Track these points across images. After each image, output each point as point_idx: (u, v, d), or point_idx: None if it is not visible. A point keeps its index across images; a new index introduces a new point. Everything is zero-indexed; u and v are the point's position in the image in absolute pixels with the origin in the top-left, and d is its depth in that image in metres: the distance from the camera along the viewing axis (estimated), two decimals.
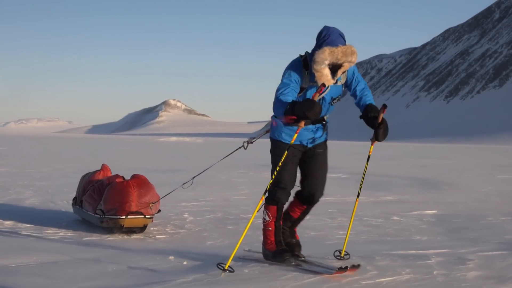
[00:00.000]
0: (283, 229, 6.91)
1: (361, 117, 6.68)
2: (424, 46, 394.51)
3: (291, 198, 6.91)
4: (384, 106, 6.61)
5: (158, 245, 8.14)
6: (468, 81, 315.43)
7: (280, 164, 6.52)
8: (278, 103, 6.29)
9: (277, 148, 6.75)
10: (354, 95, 6.72)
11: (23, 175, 18.90)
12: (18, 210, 11.07)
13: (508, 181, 21.34)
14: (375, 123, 6.58)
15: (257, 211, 6.43)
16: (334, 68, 6.34)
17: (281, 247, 6.74)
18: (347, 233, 7.06)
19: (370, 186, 16.88)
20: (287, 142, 6.61)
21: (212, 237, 8.89)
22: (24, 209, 11.33)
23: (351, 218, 7.18)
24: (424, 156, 45.50)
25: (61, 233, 8.86)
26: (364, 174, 7.23)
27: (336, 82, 6.47)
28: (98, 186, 9.48)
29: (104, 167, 10.44)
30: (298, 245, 6.94)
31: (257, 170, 23.66)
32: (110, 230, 9.05)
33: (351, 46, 6.27)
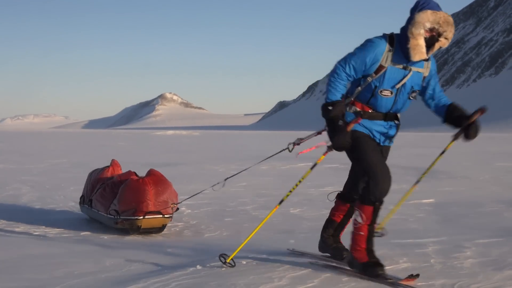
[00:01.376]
0: (326, 238, 6.37)
1: (444, 121, 5.96)
2: None
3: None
4: (483, 109, 5.84)
5: (156, 238, 8.16)
6: (464, 69, 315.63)
7: (366, 157, 5.72)
8: (332, 82, 5.68)
9: (359, 139, 5.75)
10: (430, 97, 5.95)
11: (20, 171, 18.89)
12: (16, 206, 11.09)
13: (505, 169, 21.38)
14: (462, 122, 5.77)
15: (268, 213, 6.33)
16: (429, 42, 5.49)
17: (373, 258, 5.72)
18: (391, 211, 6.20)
19: None
20: (365, 132, 5.77)
21: (210, 230, 8.92)
22: (22, 204, 11.34)
23: (401, 200, 6.39)
24: (421, 145, 45.55)
25: (59, 228, 8.88)
26: (431, 166, 6.71)
27: (428, 60, 5.73)
28: (110, 184, 8.97)
29: (113, 163, 9.94)
30: (345, 249, 6.18)
31: (254, 163, 23.63)
32: (126, 232, 8.56)
33: (451, 17, 5.52)
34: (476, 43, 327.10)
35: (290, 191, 6.31)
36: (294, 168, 21.18)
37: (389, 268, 6.05)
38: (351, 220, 6.01)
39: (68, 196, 12.48)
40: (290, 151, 6.70)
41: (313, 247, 7.10)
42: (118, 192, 8.60)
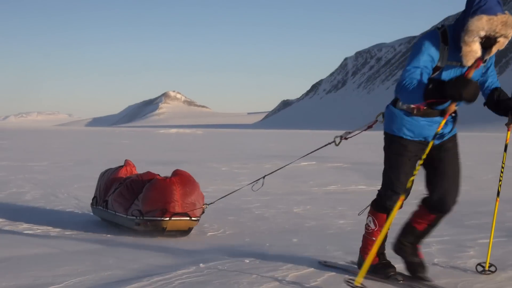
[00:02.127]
0: (403, 245, 5.77)
1: (485, 103, 5.56)
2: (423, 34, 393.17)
3: (407, 206, 5.65)
4: None
5: (159, 236, 8.15)
6: None
7: (397, 165, 5.48)
8: (409, 85, 5.04)
9: (394, 145, 5.46)
10: (487, 85, 5.55)
11: (23, 169, 18.91)
12: (19, 204, 11.10)
13: (509, 169, 21.33)
14: (510, 104, 5.40)
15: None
16: (486, 44, 5.02)
17: (384, 260, 5.63)
18: (490, 240, 5.98)
19: (372, 176, 16.91)
20: (409, 138, 5.36)
21: (213, 228, 8.92)
22: (25, 202, 11.35)
23: (493, 222, 5.99)
24: None
25: (61, 226, 8.88)
26: (503, 167, 6.21)
27: (484, 62, 5.27)
28: (130, 184, 8.62)
29: (127, 163, 9.58)
30: (421, 265, 5.64)
31: (257, 161, 23.65)
32: (148, 233, 8.19)
33: (511, 16, 4.90)
34: None
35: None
36: (298, 167, 21.17)
37: None
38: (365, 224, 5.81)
39: (71, 194, 12.49)
40: (336, 145, 6.41)
41: (317, 246, 7.10)
42: (143, 191, 8.27)
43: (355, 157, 26.63)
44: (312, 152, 7.27)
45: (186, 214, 8.05)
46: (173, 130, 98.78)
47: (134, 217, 8.16)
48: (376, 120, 5.79)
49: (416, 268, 5.62)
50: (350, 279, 4.95)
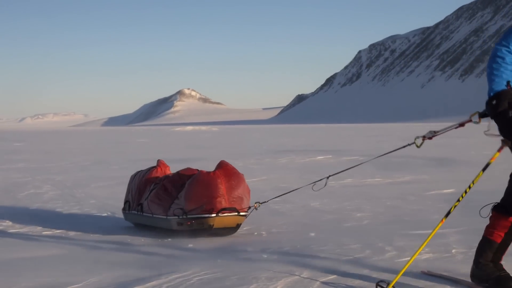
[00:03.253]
0: (484, 265, 5.11)
1: None
2: (437, 25, 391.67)
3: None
4: None
5: (171, 234, 8.10)
6: (483, 58, 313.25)
7: None
8: (497, 68, 4.74)
9: None
10: None
11: (40, 170, 19.01)
12: (37, 205, 11.16)
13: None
14: None
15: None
16: None
17: (503, 272, 5.00)
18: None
19: (387, 167, 16.86)
20: None
21: None
22: (43, 203, 11.40)
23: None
24: (440, 136, 45.18)
25: (79, 226, 8.88)
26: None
27: None
28: (168, 183, 8.19)
29: (160, 163, 9.02)
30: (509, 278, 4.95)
31: (273, 157, 23.64)
32: (191, 233, 7.73)
33: None
34: (494, 31, 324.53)
35: (459, 200, 5.58)
36: (314, 161, 21.17)
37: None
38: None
39: (89, 194, 12.55)
40: (418, 147, 5.93)
41: (335, 240, 7.09)
42: (185, 188, 7.81)
43: (371, 149, 26.54)
44: (390, 152, 6.97)
45: (234, 209, 7.62)
46: (189, 128, 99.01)
47: (176, 217, 7.70)
48: (470, 120, 5.34)
49: (507, 283, 4.92)
50: (381, 282, 4.79)
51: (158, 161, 9.06)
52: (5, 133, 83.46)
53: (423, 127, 70.88)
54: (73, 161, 23.42)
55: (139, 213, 8.45)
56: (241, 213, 7.69)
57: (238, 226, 7.79)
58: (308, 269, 5.70)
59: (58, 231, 8.52)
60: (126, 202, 8.92)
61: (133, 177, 9.02)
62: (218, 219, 7.53)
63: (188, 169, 8.38)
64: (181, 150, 31.79)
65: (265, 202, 7.90)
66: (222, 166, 7.85)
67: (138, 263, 6.33)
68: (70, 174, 17.37)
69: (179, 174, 8.20)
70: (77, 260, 6.60)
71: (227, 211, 7.57)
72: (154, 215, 8.11)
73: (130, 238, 7.92)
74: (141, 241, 7.74)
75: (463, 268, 5.63)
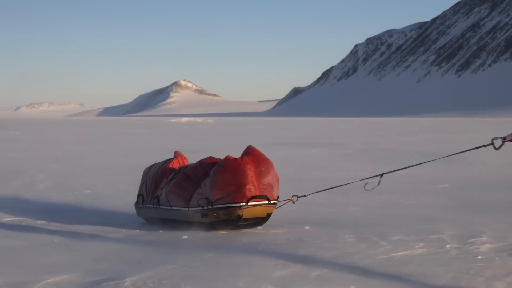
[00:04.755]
0: None
1: None
2: (434, 20, 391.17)
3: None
4: None
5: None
6: (480, 54, 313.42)
7: None
8: None
9: None
10: None
11: (36, 159, 19.01)
12: (32, 194, 11.14)
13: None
14: None
15: None
16: None
17: None
18: None
19: (383, 161, 16.90)
20: None
21: None
22: (38, 192, 11.39)
23: None
24: (436, 131, 45.36)
25: (73, 216, 8.88)
26: None
27: None
28: (189, 172, 7.65)
29: (178, 154, 8.53)
30: None
31: (270, 149, 23.61)
32: (211, 226, 7.28)
33: None
34: (491, 27, 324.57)
35: None
36: (309, 154, 21.19)
37: (405, 254, 6.06)
38: None
39: (84, 184, 12.53)
40: (496, 149, 5.83)
41: (330, 233, 7.11)
42: (210, 176, 7.25)
43: (368, 143, 26.57)
44: (460, 152, 6.94)
45: (265, 197, 7.11)
46: (185, 119, 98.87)
47: (200, 208, 7.21)
48: None
49: None
50: None
51: (176, 152, 8.60)
52: (0, 122, 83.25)
53: (419, 122, 71.09)
54: (68, 150, 23.39)
55: (155, 206, 7.91)
56: (272, 202, 7.22)
57: (268, 216, 7.32)
58: (302, 262, 5.72)
59: (52, 220, 8.48)
60: (139, 195, 8.39)
61: (147, 170, 8.53)
62: (248, 209, 7.04)
63: (210, 157, 7.86)
64: (177, 141, 31.77)
65: (304, 196, 7.56)
66: (250, 151, 7.35)
67: (126, 255, 6.32)
68: (65, 164, 17.35)
69: (200, 163, 7.69)
70: (64, 250, 6.60)
71: (258, 199, 7.08)
72: (173, 208, 7.61)
73: (123, 230, 7.83)
74: (135, 232, 7.67)
75: (457, 263, 5.65)
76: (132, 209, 8.70)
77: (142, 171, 8.68)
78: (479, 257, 5.91)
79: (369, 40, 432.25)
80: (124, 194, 10.72)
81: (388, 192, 11.14)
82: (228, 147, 24.51)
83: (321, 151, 22.12)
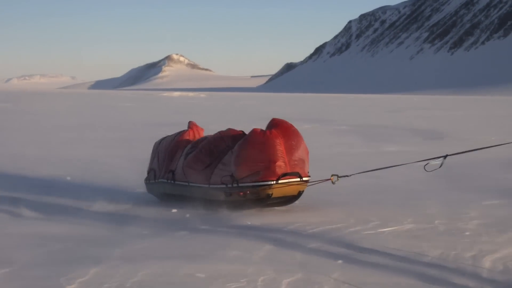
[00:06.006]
0: None
1: None
2: None
3: None
4: None
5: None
6: (473, 32, 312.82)
7: None
8: None
9: None
10: None
11: (26, 131, 18.93)
12: (19, 166, 11.08)
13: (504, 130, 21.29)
14: None
15: None
16: None
17: None
18: None
19: (373, 138, 16.92)
20: None
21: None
22: (26, 163, 11.33)
23: None
24: (428, 108, 45.39)
25: (60, 188, 8.85)
26: None
27: None
28: (208, 145, 6.97)
29: (193, 125, 7.84)
30: None
31: (262, 125, 23.59)
32: (236, 205, 6.71)
33: None
34: (485, 5, 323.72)
35: None
36: (301, 130, 21.15)
37: (393, 229, 6.07)
38: None
39: (73, 156, 12.49)
40: None
41: (320, 211, 7.11)
42: (234, 151, 6.66)
43: (359, 119, 26.58)
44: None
45: (296, 174, 6.57)
46: (176, 93, 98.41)
47: (224, 186, 6.62)
48: None
49: None
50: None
51: (190, 122, 7.94)
52: None
53: (411, 99, 71.06)
54: (59, 123, 23.29)
55: (169, 181, 7.30)
56: (304, 178, 6.68)
57: (300, 194, 6.77)
58: (292, 237, 5.73)
59: (39, 191, 8.43)
60: (150, 170, 7.79)
61: (158, 143, 7.88)
62: (278, 187, 6.47)
63: (230, 129, 7.16)
64: (168, 115, 31.66)
65: (346, 176, 6.95)
66: (278, 124, 6.73)
67: (106, 227, 6.33)
68: (55, 136, 17.30)
69: (221, 136, 7.01)
70: (56, 222, 6.60)
71: (289, 177, 6.54)
72: (191, 184, 7.00)
73: (105, 203, 7.55)
74: (119, 207, 7.47)
75: (445, 239, 5.67)
76: (118, 182, 8.66)
77: (131, 145, 8.54)
78: (467, 233, 5.94)
79: (362, 16, 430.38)
80: (111, 167, 10.73)
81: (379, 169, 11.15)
82: (220, 122, 24.51)
83: (312, 126, 22.09)
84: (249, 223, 6.38)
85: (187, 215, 6.85)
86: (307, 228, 6.09)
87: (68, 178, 9.71)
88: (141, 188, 8.30)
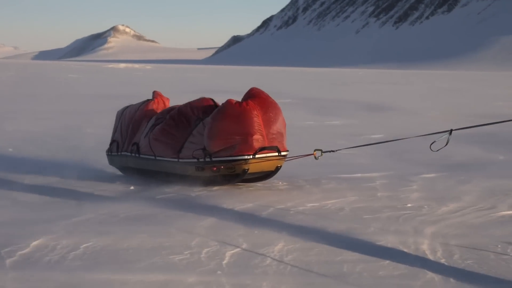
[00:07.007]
0: None
1: None
2: None
3: None
4: None
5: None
6: (417, 6, 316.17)
7: None
8: None
9: None
10: None
11: None
12: None
13: (455, 106, 21.70)
14: None
15: None
16: None
17: None
18: None
19: (318, 111, 17.05)
20: None
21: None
22: None
23: None
24: (373, 82, 45.88)
25: (6, 158, 8.73)
26: None
27: None
28: (177, 116, 6.61)
29: (158, 94, 7.51)
30: None
31: (210, 96, 23.47)
32: (209, 181, 6.42)
33: None
34: None
35: None
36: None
37: (337, 201, 6.14)
38: None
39: (16, 128, 12.29)
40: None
41: (268, 181, 7.14)
42: (208, 122, 6.27)
43: (304, 93, 26.69)
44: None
45: (275, 148, 6.27)
46: (122, 65, 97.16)
47: (196, 160, 6.27)
48: None
49: None
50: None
51: (154, 92, 7.60)
52: None
53: (356, 73, 71.62)
54: (1, 94, 22.84)
55: (133, 154, 6.96)
56: (282, 153, 6.40)
57: (277, 169, 6.47)
58: (232, 211, 5.75)
59: None
60: (113, 142, 7.38)
61: (120, 113, 7.49)
62: (255, 162, 6.17)
63: (203, 99, 6.78)
64: (114, 87, 31.28)
65: (332, 151, 6.61)
66: (255, 94, 6.34)
67: (47, 200, 6.27)
68: None
69: (190, 106, 6.65)
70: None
71: (267, 151, 6.24)
72: (157, 158, 6.66)
73: (57, 178, 7.43)
74: (64, 180, 7.34)
75: (387, 211, 5.77)
76: (63, 155, 8.56)
77: (74, 116, 8.41)
78: (409, 205, 6.05)
79: None
80: (54, 138, 10.60)
81: (323, 141, 11.25)
82: (167, 93, 24.32)
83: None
84: (194, 194, 6.37)
85: (131, 187, 6.82)
86: (250, 200, 6.11)
87: (10, 149, 9.55)
88: (92, 160, 8.23)
